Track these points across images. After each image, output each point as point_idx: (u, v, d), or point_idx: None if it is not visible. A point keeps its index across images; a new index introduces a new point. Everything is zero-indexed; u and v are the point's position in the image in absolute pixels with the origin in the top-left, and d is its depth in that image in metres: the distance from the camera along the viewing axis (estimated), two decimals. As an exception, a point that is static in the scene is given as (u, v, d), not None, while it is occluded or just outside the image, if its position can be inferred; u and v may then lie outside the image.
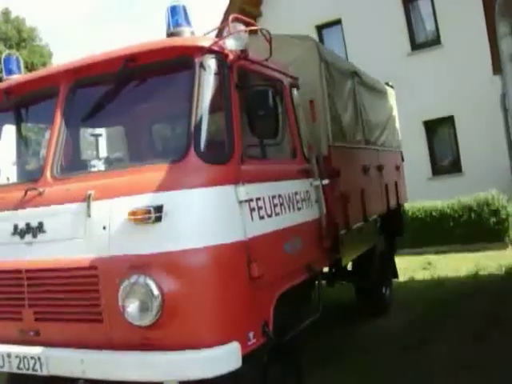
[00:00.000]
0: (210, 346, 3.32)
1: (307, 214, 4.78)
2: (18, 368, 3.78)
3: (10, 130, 5.09)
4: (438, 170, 16.21)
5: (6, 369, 3.85)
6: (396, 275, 8.58)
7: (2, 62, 4.83)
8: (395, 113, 9.34)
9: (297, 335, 4.40)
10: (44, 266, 3.79)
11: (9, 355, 3.81)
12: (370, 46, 15.50)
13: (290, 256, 4.32)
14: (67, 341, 3.67)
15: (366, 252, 6.81)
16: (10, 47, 36.03)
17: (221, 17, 17.22)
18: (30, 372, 3.73)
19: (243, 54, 3.97)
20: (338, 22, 17.20)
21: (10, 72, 4.77)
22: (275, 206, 4.20)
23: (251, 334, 3.60)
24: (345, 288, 7.75)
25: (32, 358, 3.71)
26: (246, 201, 3.75)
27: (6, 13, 40.37)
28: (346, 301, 7.98)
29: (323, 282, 5.98)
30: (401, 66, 15.25)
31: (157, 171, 3.55)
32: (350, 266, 7.10)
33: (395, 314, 7.62)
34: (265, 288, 3.81)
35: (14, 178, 4.92)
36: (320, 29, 17.59)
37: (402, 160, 9.42)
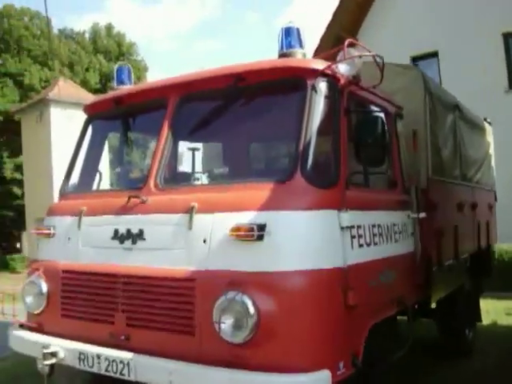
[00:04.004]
0: (300, 371, 3.25)
1: (403, 246, 4.67)
2: (106, 370, 3.83)
3: (115, 137, 5.26)
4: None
5: (95, 369, 3.91)
6: (479, 318, 8.23)
7: (115, 71, 5.02)
8: (492, 150, 9.05)
9: (383, 368, 4.27)
10: (141, 272, 3.86)
11: (99, 356, 3.87)
12: (466, 80, 15.01)
13: (384, 287, 4.22)
14: (156, 349, 3.69)
15: (453, 290, 6.56)
16: (110, 60, 37.78)
17: (316, 41, 17.33)
18: (117, 376, 3.77)
19: (355, 80, 3.96)
20: (434, 54, 16.93)
21: (121, 82, 4.96)
22: (374, 235, 4.13)
23: (341, 364, 3.51)
24: (423, 325, 7.50)
25: (121, 362, 3.75)
26: (348, 227, 3.70)
27: (109, 27, 42.40)
28: (425, 339, 7.71)
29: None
30: (497, 103, 14.71)
31: (261, 190, 3.56)
32: (433, 304, 6.86)
33: (475, 357, 7.25)
34: (358, 318, 3.72)
35: (115, 185, 5.06)
36: (415, 60, 17.29)
37: (495, 200, 9.10)
